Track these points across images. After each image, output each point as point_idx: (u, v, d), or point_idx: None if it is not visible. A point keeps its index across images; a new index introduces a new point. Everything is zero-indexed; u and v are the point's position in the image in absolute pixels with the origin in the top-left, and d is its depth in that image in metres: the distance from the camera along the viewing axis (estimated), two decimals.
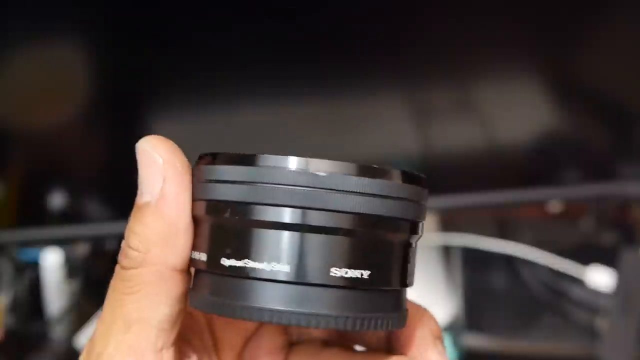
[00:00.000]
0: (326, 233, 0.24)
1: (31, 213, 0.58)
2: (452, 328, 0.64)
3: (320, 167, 0.24)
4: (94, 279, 0.69)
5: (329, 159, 0.24)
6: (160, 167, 0.26)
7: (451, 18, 0.52)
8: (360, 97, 0.55)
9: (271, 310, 0.24)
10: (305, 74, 0.54)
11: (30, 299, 0.67)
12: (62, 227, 0.58)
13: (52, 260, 0.65)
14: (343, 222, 0.24)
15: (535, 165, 0.61)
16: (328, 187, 0.24)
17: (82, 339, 0.64)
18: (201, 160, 0.27)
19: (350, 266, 0.24)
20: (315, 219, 0.24)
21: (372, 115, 0.56)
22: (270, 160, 0.25)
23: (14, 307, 0.66)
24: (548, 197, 0.64)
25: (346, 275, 0.24)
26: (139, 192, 0.27)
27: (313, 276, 0.24)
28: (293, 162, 0.24)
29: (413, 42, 0.53)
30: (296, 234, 0.24)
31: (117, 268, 0.27)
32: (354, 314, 0.25)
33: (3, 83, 0.52)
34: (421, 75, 0.55)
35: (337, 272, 0.24)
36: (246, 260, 0.24)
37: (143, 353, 0.26)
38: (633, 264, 0.64)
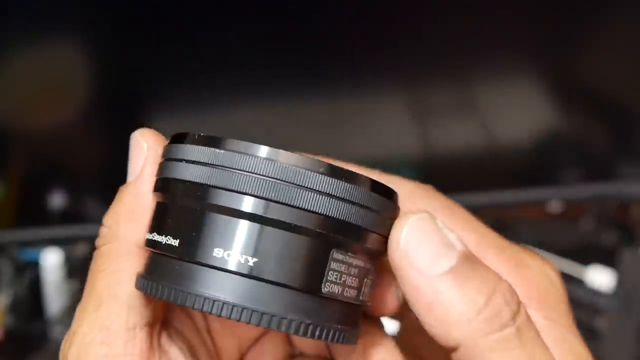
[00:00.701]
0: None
1: (31, 213, 0.58)
2: None
3: (290, 159, 0.23)
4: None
5: (305, 153, 0.24)
6: (144, 151, 0.27)
7: (451, 18, 0.52)
8: (360, 97, 0.55)
9: (217, 301, 0.23)
10: (305, 74, 0.54)
11: (30, 299, 0.67)
12: (62, 227, 0.58)
13: (52, 260, 0.65)
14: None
15: (535, 165, 0.61)
16: (291, 182, 0.23)
17: None
18: (172, 139, 0.26)
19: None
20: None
21: (371, 115, 0.56)
22: (238, 145, 0.24)
23: (14, 307, 0.66)
24: (548, 197, 0.64)
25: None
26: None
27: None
28: (263, 151, 0.23)
29: (413, 42, 0.53)
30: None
31: (95, 251, 0.27)
32: (307, 320, 0.23)
33: (3, 83, 0.52)
34: (421, 75, 0.55)
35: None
36: (184, 242, 0.23)
37: (114, 329, 0.26)
38: (633, 264, 0.64)
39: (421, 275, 0.24)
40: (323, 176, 0.23)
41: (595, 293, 0.66)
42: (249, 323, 0.23)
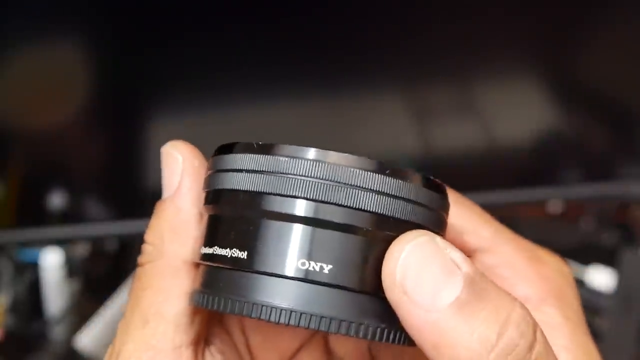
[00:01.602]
0: (355, 233, 0.23)
1: (31, 213, 0.58)
2: None
3: (339, 160, 0.23)
4: (94, 279, 0.69)
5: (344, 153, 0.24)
6: (180, 164, 0.26)
7: (452, 17, 0.52)
8: (360, 97, 0.55)
9: (276, 308, 0.22)
10: (305, 73, 0.54)
11: (30, 299, 0.67)
12: (62, 227, 0.58)
13: (52, 260, 0.64)
14: (369, 221, 0.23)
15: (535, 165, 0.61)
16: (346, 182, 0.23)
17: (82, 338, 0.64)
18: (218, 150, 0.26)
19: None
20: (336, 214, 0.23)
21: (371, 115, 0.56)
22: (286, 150, 0.23)
23: (14, 307, 0.66)
24: (548, 197, 0.64)
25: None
26: (162, 192, 0.27)
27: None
28: (311, 153, 0.23)
29: (413, 42, 0.53)
30: (313, 229, 0.23)
31: (137, 267, 0.26)
32: (370, 322, 0.23)
33: (3, 83, 0.52)
34: (421, 74, 0.55)
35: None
36: (248, 253, 0.23)
37: (161, 348, 0.25)
38: (633, 264, 0.64)
39: (423, 313, 0.22)
40: (380, 175, 0.23)
41: (595, 293, 0.66)
42: (328, 331, 0.22)
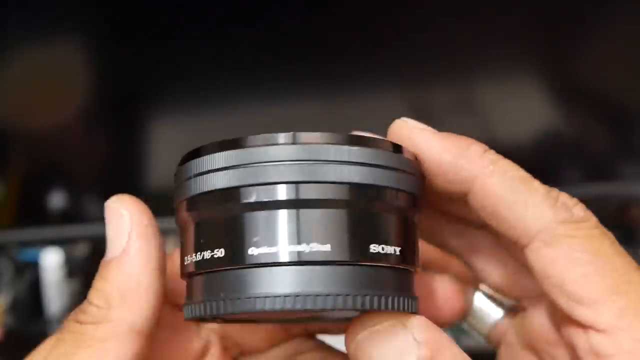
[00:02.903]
0: (326, 207, 0.22)
1: (31, 213, 0.58)
2: (453, 328, 0.64)
3: (311, 139, 0.23)
4: (94, 279, 0.69)
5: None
6: (126, 221, 0.25)
7: (452, 17, 0.52)
8: (360, 97, 0.55)
9: (278, 296, 0.22)
10: (305, 73, 0.54)
11: (30, 299, 0.67)
12: (62, 227, 0.58)
13: (52, 260, 0.64)
14: (340, 193, 0.23)
15: (535, 165, 0.61)
16: (317, 159, 0.23)
17: None
18: (184, 159, 0.25)
19: (375, 241, 0.23)
20: (314, 192, 0.22)
21: (372, 115, 0.56)
22: (257, 139, 0.23)
23: (14, 307, 0.66)
24: None
25: (374, 251, 0.23)
26: (106, 250, 0.25)
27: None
28: (281, 138, 0.23)
29: (413, 42, 0.53)
30: (301, 211, 0.22)
31: (70, 321, 0.25)
32: (368, 292, 0.22)
33: (3, 83, 0.52)
34: (421, 74, 0.55)
35: (375, 248, 0.23)
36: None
37: None
38: None
39: None
40: (345, 146, 0.23)
41: None
42: (314, 309, 0.22)
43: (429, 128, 0.26)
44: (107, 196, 0.27)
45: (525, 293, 0.29)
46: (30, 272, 0.67)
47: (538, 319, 0.28)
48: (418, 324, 0.23)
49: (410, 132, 0.26)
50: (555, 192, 0.26)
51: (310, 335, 0.31)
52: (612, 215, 0.75)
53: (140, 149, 0.56)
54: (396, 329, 0.23)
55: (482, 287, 0.30)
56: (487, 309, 0.30)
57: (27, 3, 0.47)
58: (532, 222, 0.25)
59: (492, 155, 0.26)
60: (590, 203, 0.28)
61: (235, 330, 0.30)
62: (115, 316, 0.24)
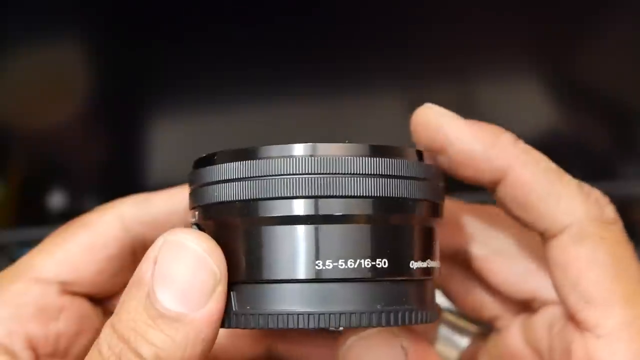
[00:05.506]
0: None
1: (31, 213, 0.58)
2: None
3: (329, 151, 0.22)
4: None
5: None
6: (217, 278, 0.22)
7: (452, 17, 0.52)
8: (360, 97, 0.55)
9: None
10: (305, 73, 0.54)
11: None
12: None
13: None
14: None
15: None
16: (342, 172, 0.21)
17: None
18: (200, 162, 0.24)
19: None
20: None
21: (372, 115, 0.56)
22: (275, 150, 0.22)
23: None
24: None
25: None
26: (160, 289, 0.21)
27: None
28: (299, 149, 0.22)
29: (413, 41, 0.53)
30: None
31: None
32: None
33: (3, 83, 0.52)
34: (421, 74, 0.55)
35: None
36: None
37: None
38: None
39: None
40: (374, 158, 0.22)
41: None
42: (347, 327, 0.21)
43: (457, 116, 0.25)
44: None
45: (499, 313, 0.29)
46: None
47: (511, 338, 0.28)
48: (407, 333, 0.23)
49: (437, 119, 0.25)
50: (587, 187, 0.26)
51: None
52: None
53: (140, 149, 0.56)
54: (386, 336, 0.23)
55: (447, 315, 0.30)
56: (453, 337, 0.31)
57: (27, 3, 0.47)
58: (563, 215, 0.24)
59: (523, 145, 0.26)
60: None
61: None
62: None
